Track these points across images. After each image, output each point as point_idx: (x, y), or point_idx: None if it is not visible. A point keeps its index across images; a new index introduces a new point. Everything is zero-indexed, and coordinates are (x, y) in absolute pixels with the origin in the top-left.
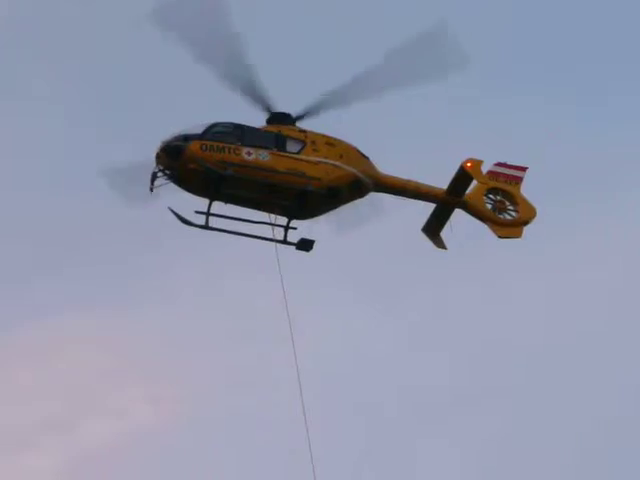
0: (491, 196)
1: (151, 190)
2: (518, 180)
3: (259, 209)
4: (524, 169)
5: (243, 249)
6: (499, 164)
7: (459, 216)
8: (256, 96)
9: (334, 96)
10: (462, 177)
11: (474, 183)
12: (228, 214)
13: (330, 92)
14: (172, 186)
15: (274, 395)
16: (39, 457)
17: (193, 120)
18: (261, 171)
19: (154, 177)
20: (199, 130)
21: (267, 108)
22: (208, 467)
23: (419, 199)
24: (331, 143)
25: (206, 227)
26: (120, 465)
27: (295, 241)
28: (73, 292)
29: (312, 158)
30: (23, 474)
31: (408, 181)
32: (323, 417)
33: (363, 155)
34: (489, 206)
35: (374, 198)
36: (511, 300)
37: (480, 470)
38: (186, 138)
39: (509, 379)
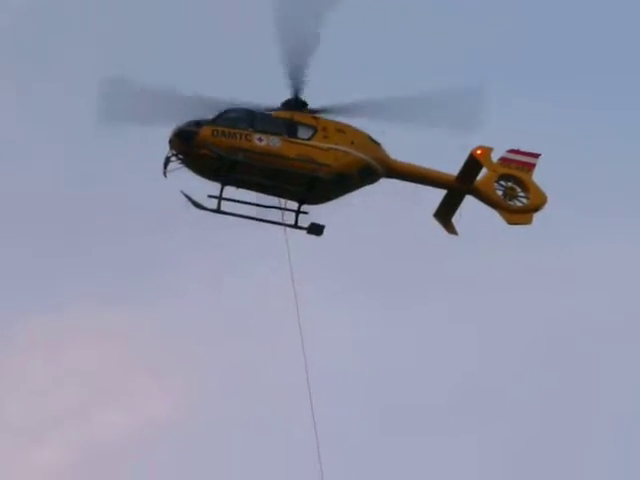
0: (502, 182)
1: (165, 175)
2: (530, 167)
3: (270, 194)
4: (537, 156)
5: (254, 233)
6: (512, 151)
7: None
8: (298, 76)
9: (359, 105)
10: (471, 164)
11: (485, 170)
12: (240, 198)
13: (359, 101)
14: (185, 170)
15: (282, 385)
16: (55, 449)
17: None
18: (271, 157)
19: (167, 162)
20: (211, 116)
21: (296, 91)
22: (219, 459)
23: (430, 185)
24: (342, 130)
25: (218, 211)
26: (133, 457)
27: (306, 225)
28: (86, 282)
29: (323, 144)
30: (38, 466)
31: (419, 167)
32: (332, 412)
33: (374, 141)
34: (500, 192)
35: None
36: (522, 295)
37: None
38: (198, 123)
39: (521, 377)
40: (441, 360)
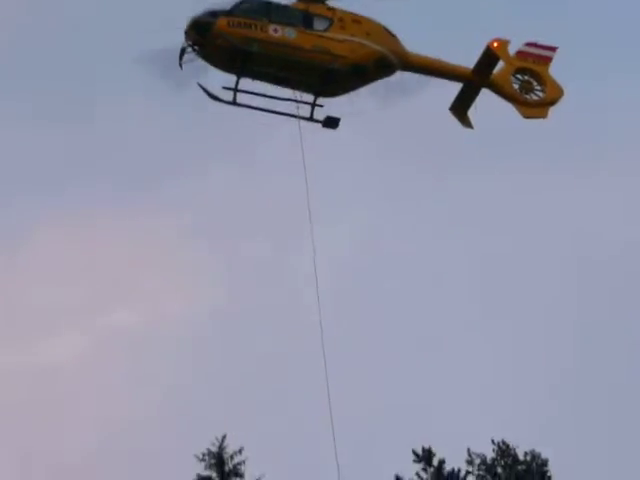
0: (519, 76)
1: (180, 66)
2: (547, 60)
3: (286, 86)
4: (554, 49)
5: (269, 125)
6: (529, 44)
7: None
8: None
9: None
10: (488, 57)
11: (502, 63)
12: (256, 91)
13: None
14: (201, 63)
15: (294, 281)
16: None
17: None
18: (287, 48)
19: (183, 53)
20: (228, 6)
21: None
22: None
23: (446, 78)
24: (359, 21)
25: (234, 103)
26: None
27: (321, 118)
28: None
29: (339, 36)
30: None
31: (435, 60)
32: (339, 307)
33: (391, 33)
34: (516, 86)
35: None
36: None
37: None
38: (214, 14)
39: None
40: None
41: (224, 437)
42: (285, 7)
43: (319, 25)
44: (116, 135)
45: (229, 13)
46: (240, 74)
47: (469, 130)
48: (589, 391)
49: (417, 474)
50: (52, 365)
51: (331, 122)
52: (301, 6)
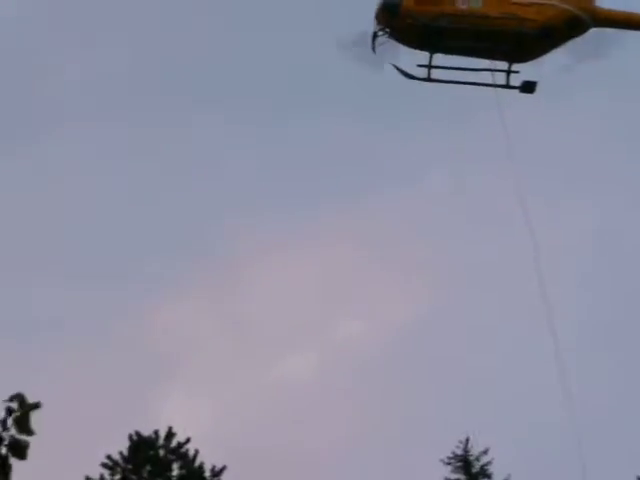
0: None
1: (373, 50)
2: None
3: (478, 57)
4: None
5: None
6: None
7: None
8: None
9: None
10: None
11: None
12: (449, 65)
13: None
14: (394, 44)
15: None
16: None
17: None
18: (475, 18)
19: (375, 37)
20: None
21: None
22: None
23: None
24: None
25: (429, 80)
26: None
27: (518, 84)
28: None
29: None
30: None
31: (629, 12)
32: None
33: None
34: None
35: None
36: None
37: None
38: None
39: None
40: None
41: (468, 439)
42: None
43: None
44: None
45: None
46: (432, 50)
47: None
48: None
49: None
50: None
51: (528, 86)
52: None
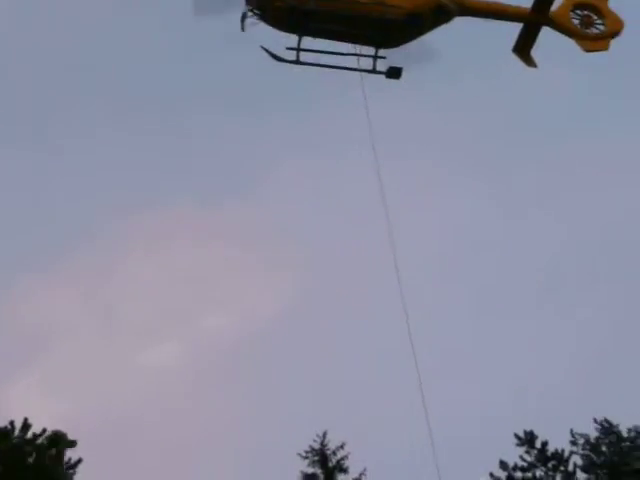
0: (578, 11)
1: (243, 30)
2: None
3: (346, 41)
4: None
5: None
6: None
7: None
8: None
9: None
10: None
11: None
12: (318, 49)
13: None
14: (263, 25)
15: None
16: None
17: None
18: (343, 3)
19: (244, 17)
20: None
21: None
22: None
23: (505, 20)
24: None
25: (297, 62)
26: None
27: (384, 70)
28: None
29: None
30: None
31: (492, 2)
32: None
33: None
34: (576, 22)
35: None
36: None
37: None
38: None
39: None
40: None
41: (325, 433)
42: None
43: None
44: None
45: None
46: (301, 33)
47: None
48: None
49: (521, 457)
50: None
51: (394, 72)
52: None
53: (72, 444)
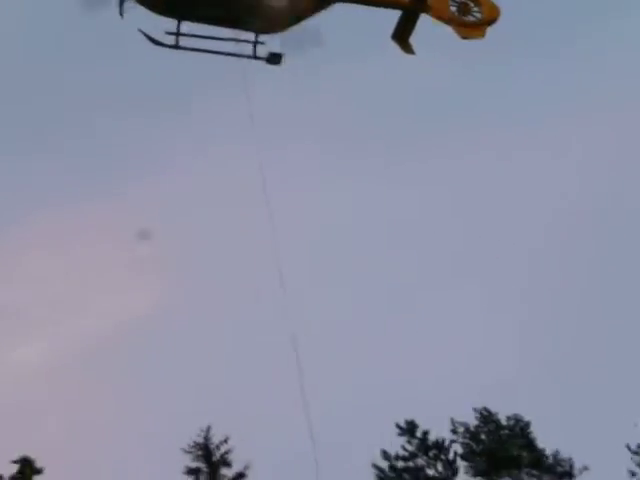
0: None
1: (121, 14)
2: None
3: (226, 26)
4: None
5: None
6: None
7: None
8: None
9: None
10: None
11: None
12: (198, 33)
13: None
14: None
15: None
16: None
17: None
18: None
19: (122, 1)
20: None
21: None
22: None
23: (383, 7)
24: None
25: (176, 47)
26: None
27: (264, 56)
28: None
29: None
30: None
31: None
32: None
33: None
34: (453, 9)
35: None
36: None
37: None
38: None
39: None
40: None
41: (208, 428)
42: None
43: None
44: None
45: None
46: (179, 18)
47: None
48: (566, 351)
49: (402, 447)
50: None
51: (274, 58)
52: None
53: None
